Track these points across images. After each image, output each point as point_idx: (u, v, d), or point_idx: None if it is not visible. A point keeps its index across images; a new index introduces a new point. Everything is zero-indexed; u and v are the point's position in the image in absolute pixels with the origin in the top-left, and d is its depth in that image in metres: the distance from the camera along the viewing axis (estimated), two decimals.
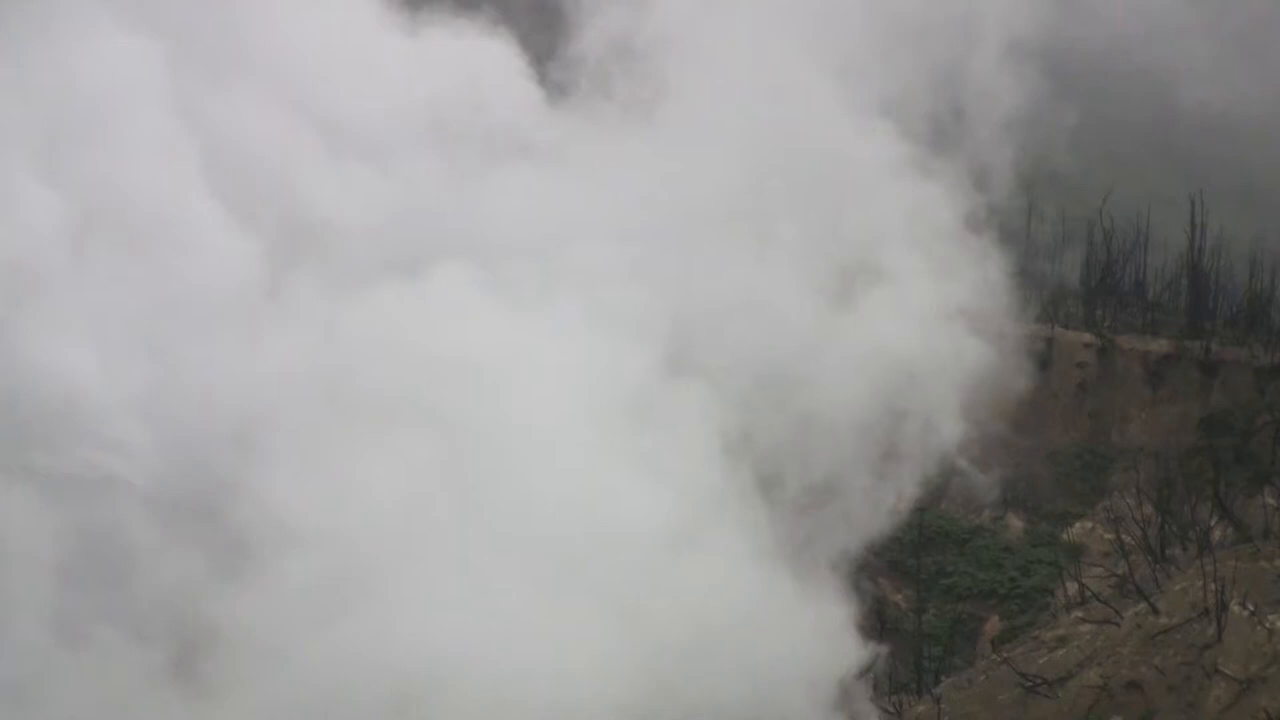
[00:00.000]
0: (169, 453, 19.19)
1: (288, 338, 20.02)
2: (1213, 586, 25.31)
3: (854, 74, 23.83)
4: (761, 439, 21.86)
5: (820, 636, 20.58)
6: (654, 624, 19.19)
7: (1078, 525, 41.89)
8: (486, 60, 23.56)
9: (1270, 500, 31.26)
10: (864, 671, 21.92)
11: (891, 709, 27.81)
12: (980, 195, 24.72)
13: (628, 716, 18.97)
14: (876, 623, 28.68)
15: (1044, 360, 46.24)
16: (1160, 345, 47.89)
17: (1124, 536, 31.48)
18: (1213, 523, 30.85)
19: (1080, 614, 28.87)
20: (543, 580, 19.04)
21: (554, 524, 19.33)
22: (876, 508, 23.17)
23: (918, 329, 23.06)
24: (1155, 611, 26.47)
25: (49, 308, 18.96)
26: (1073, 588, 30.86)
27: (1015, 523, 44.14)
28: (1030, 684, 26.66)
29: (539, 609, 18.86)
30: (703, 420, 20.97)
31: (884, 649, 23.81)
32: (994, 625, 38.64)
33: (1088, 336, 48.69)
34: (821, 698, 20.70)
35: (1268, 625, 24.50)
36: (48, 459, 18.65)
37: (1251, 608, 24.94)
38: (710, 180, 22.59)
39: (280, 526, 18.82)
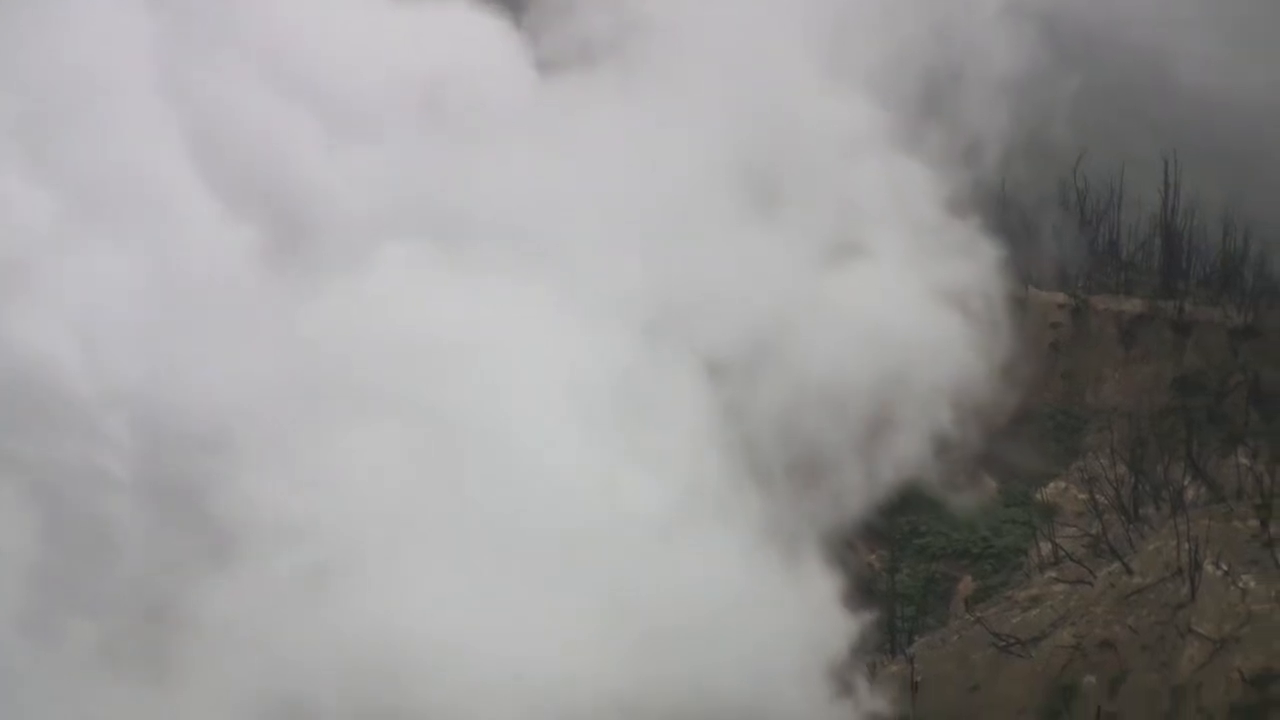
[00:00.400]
0: (153, 443, 19.04)
1: (273, 327, 19.86)
2: (1186, 546, 25.56)
3: (839, 46, 23.86)
4: (747, 417, 21.91)
5: (812, 617, 20.69)
6: (644, 609, 19.22)
7: (1051, 485, 41.84)
8: (477, 34, 23.48)
9: (1243, 460, 31.40)
10: (856, 649, 22.04)
11: (865, 669, 28.02)
12: (966, 167, 24.80)
13: (619, 702, 19.01)
14: (859, 592, 28.80)
15: (1017, 321, 46.24)
16: (1134, 305, 47.83)
17: (1097, 496, 31.70)
18: (1186, 483, 31.05)
19: (1054, 574, 29.12)
20: (531, 567, 19.01)
21: (543, 510, 19.30)
22: (865, 481, 23.30)
23: (901, 302, 23.15)
24: (1129, 571, 26.71)
25: (34, 296, 18.78)
26: (1046, 548, 31.06)
27: (988, 482, 44.21)
28: (1004, 644, 26.92)
29: (528, 596, 18.84)
30: (690, 400, 21.00)
31: (870, 617, 23.95)
32: (967, 585, 38.66)
33: (1061, 296, 48.63)
34: (814, 678, 20.82)
35: (1241, 585, 24.78)
36: (30, 449, 18.48)
37: (1225, 568, 25.21)
38: (698, 156, 22.59)
39: (266, 518, 18.74)
